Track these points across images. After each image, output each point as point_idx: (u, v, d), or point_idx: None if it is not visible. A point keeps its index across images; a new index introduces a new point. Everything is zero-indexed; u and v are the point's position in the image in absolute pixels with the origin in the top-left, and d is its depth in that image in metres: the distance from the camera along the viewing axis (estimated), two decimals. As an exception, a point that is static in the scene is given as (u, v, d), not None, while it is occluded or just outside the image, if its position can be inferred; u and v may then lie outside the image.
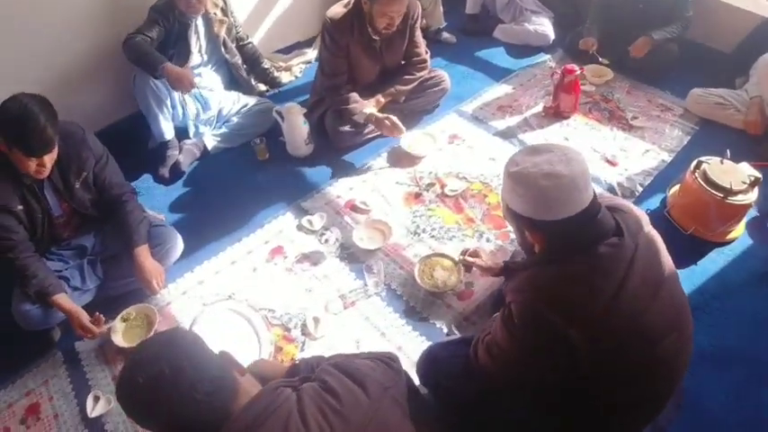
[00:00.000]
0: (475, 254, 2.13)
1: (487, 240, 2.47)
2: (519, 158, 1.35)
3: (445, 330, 2.12)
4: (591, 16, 3.58)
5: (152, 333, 2.12)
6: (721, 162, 2.43)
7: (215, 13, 2.94)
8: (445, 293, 2.23)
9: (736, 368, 2.02)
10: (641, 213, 1.45)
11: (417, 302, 2.23)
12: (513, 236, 2.45)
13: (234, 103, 3.09)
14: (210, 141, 3.02)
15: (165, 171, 2.88)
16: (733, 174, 2.37)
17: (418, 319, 2.17)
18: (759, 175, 2.38)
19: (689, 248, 2.43)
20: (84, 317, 2.03)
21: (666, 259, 1.42)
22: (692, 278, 2.33)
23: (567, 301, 1.28)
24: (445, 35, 3.96)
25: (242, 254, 2.48)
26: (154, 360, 1.03)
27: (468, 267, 2.19)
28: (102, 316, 2.08)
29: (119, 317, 2.16)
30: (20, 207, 1.97)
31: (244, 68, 3.20)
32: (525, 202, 1.32)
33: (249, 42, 3.26)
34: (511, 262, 1.92)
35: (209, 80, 3.03)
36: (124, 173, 2.30)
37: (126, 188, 2.26)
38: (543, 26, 3.82)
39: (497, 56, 3.83)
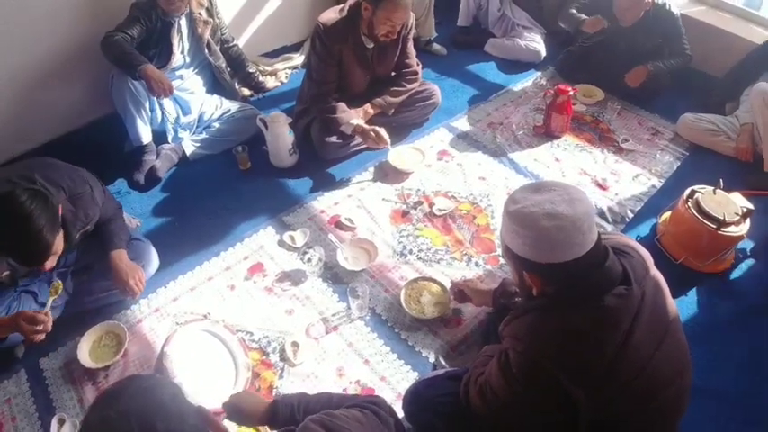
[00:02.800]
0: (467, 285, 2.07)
1: (476, 265, 2.40)
2: (519, 196, 1.29)
3: (432, 360, 2.04)
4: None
5: (122, 353, 2.01)
6: (714, 192, 2.41)
7: (200, 14, 2.83)
8: (433, 321, 2.15)
9: (726, 406, 1.98)
10: (646, 254, 1.39)
11: (403, 329, 2.14)
12: (502, 260, 2.39)
13: (216, 107, 2.98)
14: (190, 147, 2.89)
15: (140, 177, 2.75)
16: (726, 204, 2.36)
17: (404, 348, 2.09)
18: (752, 206, 2.37)
19: (679, 278, 2.38)
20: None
21: (671, 303, 1.37)
22: (681, 309, 2.26)
23: (573, 359, 1.22)
24: (436, 46, 3.90)
25: (219, 270, 2.36)
26: (124, 416, 0.92)
27: (461, 299, 2.10)
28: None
29: (85, 334, 2.04)
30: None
31: (228, 72, 3.08)
32: (525, 243, 1.25)
33: (234, 45, 3.15)
34: (507, 301, 1.84)
35: (190, 83, 2.92)
36: (98, 176, 2.12)
37: (115, 211, 2.14)
38: (535, 42, 3.77)
39: (488, 70, 3.77)
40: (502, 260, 2.40)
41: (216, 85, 3.06)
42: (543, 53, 3.76)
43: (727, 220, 2.29)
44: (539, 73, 3.73)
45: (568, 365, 1.22)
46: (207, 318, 2.17)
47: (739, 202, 2.39)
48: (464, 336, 2.12)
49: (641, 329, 1.23)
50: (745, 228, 2.34)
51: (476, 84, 3.62)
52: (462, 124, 3.23)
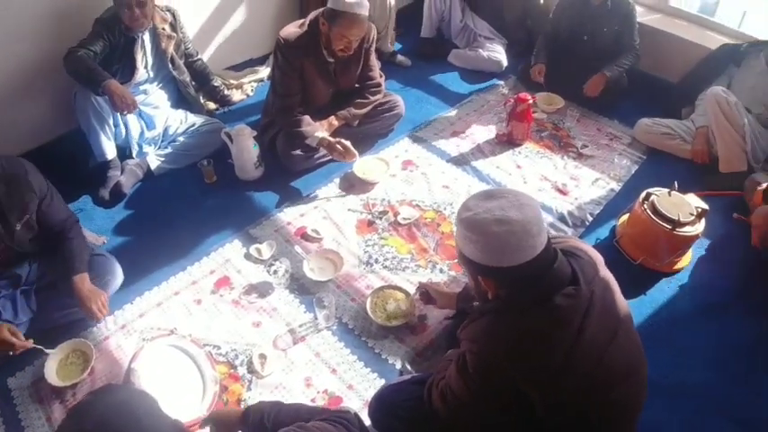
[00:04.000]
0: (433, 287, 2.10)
1: (441, 271, 2.44)
2: (471, 204, 1.33)
3: (398, 367, 2.07)
4: (538, 45, 3.65)
5: (88, 370, 2.00)
6: (669, 194, 2.48)
7: (163, 29, 2.83)
8: (398, 328, 2.18)
9: (690, 400, 2.04)
10: (596, 255, 1.44)
11: (370, 337, 2.17)
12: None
13: (181, 121, 2.97)
14: (155, 162, 2.88)
15: (105, 193, 2.73)
16: (681, 205, 2.43)
17: (371, 355, 2.11)
18: (706, 206, 2.45)
19: (638, 279, 2.47)
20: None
21: (621, 302, 1.42)
22: (641, 308, 2.35)
23: (526, 357, 1.26)
24: (400, 58, 3.95)
25: (186, 284, 2.36)
26: (101, 429, 0.92)
27: (426, 300, 2.13)
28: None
29: (52, 353, 2.02)
30: None
31: (192, 86, 3.09)
32: (477, 249, 1.29)
33: (199, 59, 3.16)
34: (466, 305, 1.89)
35: (154, 97, 2.91)
36: (62, 194, 2.15)
37: (69, 221, 2.13)
38: (497, 53, 3.85)
39: (451, 80, 3.84)
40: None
41: (181, 100, 3.06)
42: (505, 63, 3.84)
43: (682, 220, 2.35)
44: (501, 82, 3.80)
45: (522, 364, 1.26)
46: (174, 333, 2.17)
47: (694, 202, 2.46)
48: (429, 341, 2.16)
49: (592, 326, 1.28)
50: (700, 227, 2.41)
51: (439, 94, 3.68)
52: (426, 134, 3.28)
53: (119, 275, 2.24)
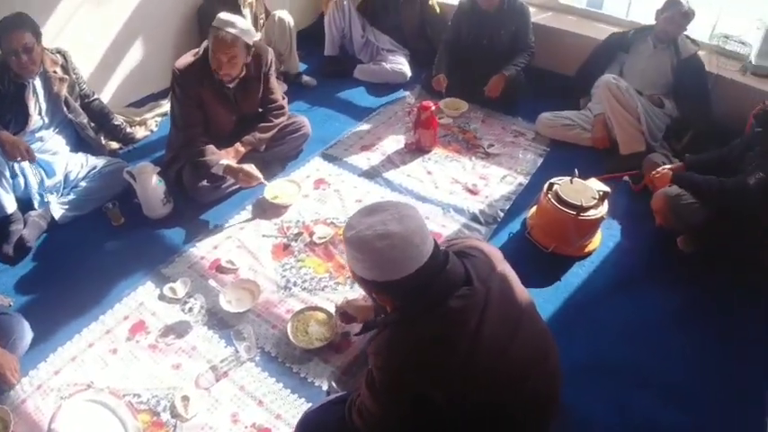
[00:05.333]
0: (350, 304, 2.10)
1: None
2: (354, 221, 1.33)
3: (325, 388, 2.05)
4: (439, 54, 3.75)
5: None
6: (571, 181, 2.58)
7: (54, 71, 2.74)
8: (322, 349, 2.16)
9: (614, 376, 2.12)
10: (493, 251, 1.47)
11: (294, 362, 2.13)
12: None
13: (82, 165, 2.86)
14: (58, 210, 2.74)
15: (8, 249, 2.58)
16: (583, 191, 2.53)
17: (297, 381, 2.07)
18: (607, 189, 2.57)
19: (552, 265, 2.55)
20: None
21: (522, 293, 1.45)
22: (556, 294, 2.43)
23: (425, 362, 1.27)
24: (305, 78, 3.96)
25: (100, 334, 2.25)
26: None
27: (347, 320, 2.12)
28: None
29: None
30: None
31: (91, 127, 2.99)
32: (365, 267, 1.31)
33: (95, 99, 3.07)
34: (370, 321, 1.90)
35: (52, 143, 2.79)
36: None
37: None
38: (400, 64, 3.94)
39: (358, 95, 3.88)
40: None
41: (80, 143, 2.95)
42: (409, 73, 3.93)
43: (585, 205, 2.46)
44: (407, 93, 3.87)
45: (422, 372, 1.27)
46: (91, 386, 2.07)
47: (596, 186, 2.57)
48: (354, 358, 2.14)
49: (491, 322, 1.30)
50: (604, 209, 2.52)
51: (347, 110, 3.71)
52: (337, 151, 3.30)
53: (27, 335, 2.12)
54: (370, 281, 1.32)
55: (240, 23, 2.59)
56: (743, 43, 3.45)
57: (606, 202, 2.55)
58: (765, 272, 2.48)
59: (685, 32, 3.23)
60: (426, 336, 1.29)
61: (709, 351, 2.23)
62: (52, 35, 2.95)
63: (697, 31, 3.42)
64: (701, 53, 3.29)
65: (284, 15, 3.72)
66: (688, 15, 3.11)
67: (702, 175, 2.55)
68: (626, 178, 2.81)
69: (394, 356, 1.31)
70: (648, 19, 3.37)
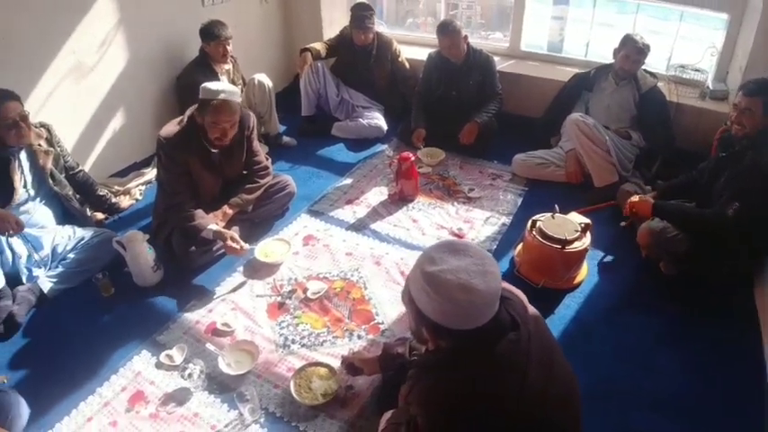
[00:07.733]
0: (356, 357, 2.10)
1: (359, 337, 2.45)
2: (437, 256, 1.28)
3: (333, 444, 2.04)
4: (415, 109, 3.91)
5: None
6: (553, 217, 2.67)
7: (39, 144, 2.77)
8: (327, 404, 2.14)
9: (615, 400, 2.17)
10: (520, 293, 1.46)
11: (300, 420, 2.11)
12: (383, 327, 2.49)
13: (69, 237, 2.85)
14: (47, 284, 2.72)
15: (-1, 326, 2.56)
16: (565, 225, 2.62)
17: (304, 439, 2.07)
18: (588, 221, 2.66)
19: (543, 300, 2.57)
20: None
21: (551, 334, 1.45)
22: (552, 327, 2.38)
23: (479, 402, 1.25)
24: (285, 139, 4.05)
25: (98, 407, 2.19)
26: None
27: (354, 372, 2.12)
28: None
29: None
30: None
31: (77, 198, 3.00)
32: (433, 307, 1.26)
33: (80, 170, 3.09)
34: (405, 360, 1.89)
35: (38, 216, 2.79)
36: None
37: None
38: (376, 119, 4.07)
39: (338, 152, 3.98)
40: (383, 327, 2.48)
41: (66, 215, 2.95)
42: (385, 127, 4.07)
43: (569, 238, 2.54)
44: (385, 146, 3.99)
45: (475, 408, 1.24)
46: (92, 464, 2.03)
47: (577, 219, 2.66)
48: (360, 410, 2.13)
49: (534, 365, 1.27)
50: (587, 241, 2.61)
51: (329, 166, 3.80)
52: (322, 207, 3.35)
53: (24, 412, 2.07)
54: (430, 319, 1.28)
55: (230, 88, 2.67)
56: (698, 71, 3.66)
57: (589, 234, 2.64)
58: (744, 285, 2.61)
59: (643, 66, 3.41)
60: (476, 382, 1.26)
61: (702, 365, 2.32)
62: (35, 109, 2.99)
63: (654, 62, 3.62)
64: (660, 84, 3.47)
65: (263, 79, 3.85)
66: (643, 51, 3.29)
67: (677, 198, 2.67)
68: (622, 224, 2.91)
69: (442, 405, 1.28)
70: (607, 57, 3.56)
